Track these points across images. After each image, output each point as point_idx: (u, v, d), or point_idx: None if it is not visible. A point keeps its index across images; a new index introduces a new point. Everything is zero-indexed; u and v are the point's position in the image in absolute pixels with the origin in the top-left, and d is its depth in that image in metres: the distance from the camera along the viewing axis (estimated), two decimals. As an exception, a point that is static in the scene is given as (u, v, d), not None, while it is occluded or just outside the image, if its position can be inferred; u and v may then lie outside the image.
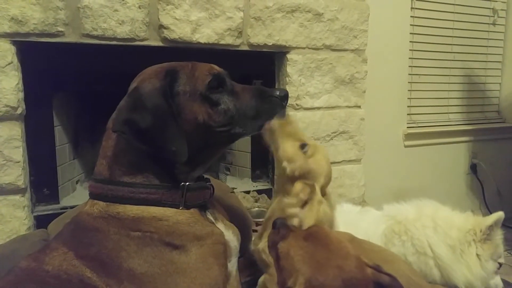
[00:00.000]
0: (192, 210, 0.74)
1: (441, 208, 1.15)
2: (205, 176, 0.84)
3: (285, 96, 0.81)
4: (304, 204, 0.77)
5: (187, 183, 0.73)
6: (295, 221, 0.75)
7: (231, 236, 0.80)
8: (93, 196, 0.73)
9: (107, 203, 0.70)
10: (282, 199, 0.81)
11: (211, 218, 0.78)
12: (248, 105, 0.78)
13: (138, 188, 0.70)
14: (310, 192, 0.78)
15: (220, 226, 0.79)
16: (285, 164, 0.80)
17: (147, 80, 0.73)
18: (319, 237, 0.66)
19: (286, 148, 0.80)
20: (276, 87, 1.62)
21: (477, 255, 1.05)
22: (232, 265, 0.79)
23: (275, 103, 0.80)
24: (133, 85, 0.76)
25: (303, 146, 0.82)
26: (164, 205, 0.71)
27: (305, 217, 0.75)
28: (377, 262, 0.67)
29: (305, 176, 0.79)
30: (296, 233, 0.67)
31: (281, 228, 0.68)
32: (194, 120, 0.73)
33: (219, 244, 0.74)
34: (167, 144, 0.68)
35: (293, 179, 0.80)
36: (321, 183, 0.81)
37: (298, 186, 0.79)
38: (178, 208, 0.72)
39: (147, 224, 0.68)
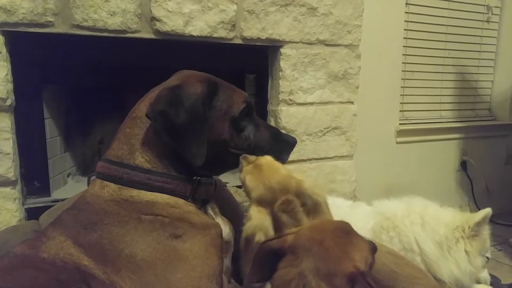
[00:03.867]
0: (198, 202, 0.79)
1: (430, 205, 1.17)
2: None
3: (294, 144, 0.91)
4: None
5: (198, 178, 0.78)
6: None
7: (228, 231, 0.83)
8: (103, 176, 0.74)
9: (120, 186, 0.72)
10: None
11: (211, 212, 0.82)
12: (264, 139, 0.86)
13: (155, 176, 0.74)
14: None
15: (219, 221, 0.81)
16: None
17: (191, 82, 0.77)
18: (347, 228, 0.66)
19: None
20: (269, 82, 1.62)
21: (466, 251, 1.07)
22: (228, 260, 0.82)
23: (285, 147, 0.89)
24: (172, 82, 0.79)
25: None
26: (176, 195, 0.75)
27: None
28: None
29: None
30: (306, 228, 0.66)
31: None
32: (218, 136, 0.79)
33: (220, 237, 0.77)
34: (190, 146, 0.73)
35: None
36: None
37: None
38: (187, 200, 0.76)
39: (160, 209, 0.71)
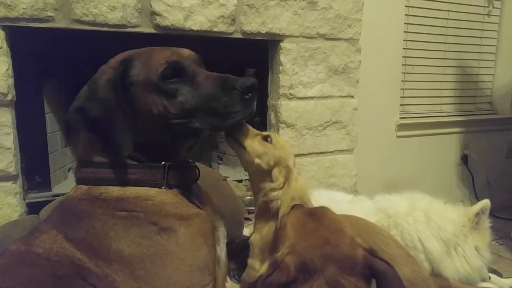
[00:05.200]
0: (175, 190, 0.74)
1: (434, 202, 1.15)
2: (191, 161, 0.84)
3: (248, 88, 0.72)
4: (283, 185, 0.81)
5: (168, 163, 0.73)
6: (277, 203, 0.78)
7: (218, 221, 0.81)
8: (78, 181, 0.74)
9: (90, 185, 0.71)
10: (264, 187, 0.83)
11: (196, 202, 0.78)
12: (208, 98, 0.71)
13: (117, 169, 0.71)
14: (287, 173, 0.82)
15: (207, 210, 0.79)
16: (257, 160, 0.83)
17: (102, 70, 0.73)
18: (318, 213, 0.68)
19: (254, 146, 0.83)
20: (270, 76, 1.62)
21: (475, 247, 1.06)
22: (221, 249, 0.80)
23: (235, 99, 0.71)
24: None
25: (266, 138, 0.85)
26: (146, 185, 0.71)
27: (283, 194, 0.79)
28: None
29: (278, 162, 0.83)
30: (303, 210, 0.70)
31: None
32: (149, 111, 0.70)
33: (207, 223, 0.74)
34: (113, 136, 0.69)
35: (268, 170, 0.83)
36: (292, 162, 0.85)
37: (275, 171, 0.82)
38: (160, 188, 0.72)
39: (132, 204, 0.69)
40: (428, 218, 1.09)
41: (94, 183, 0.71)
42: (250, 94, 0.73)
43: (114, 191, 0.70)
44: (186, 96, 0.71)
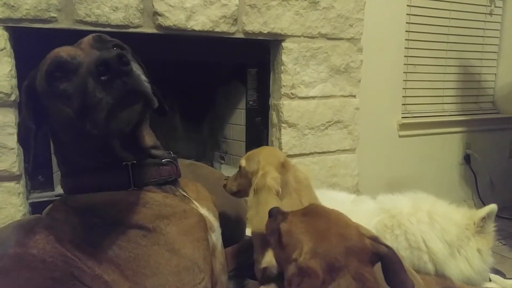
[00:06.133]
0: (150, 189, 0.70)
1: (438, 202, 1.15)
2: (173, 155, 0.79)
3: (99, 67, 0.56)
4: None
5: (130, 162, 0.68)
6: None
7: (207, 213, 0.79)
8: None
9: (64, 195, 0.73)
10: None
11: (184, 194, 0.76)
12: (78, 91, 0.59)
13: (76, 177, 0.70)
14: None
15: (194, 203, 0.78)
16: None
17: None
18: (317, 211, 0.69)
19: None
20: (271, 75, 1.63)
21: (478, 249, 1.06)
22: (217, 237, 0.78)
23: (92, 85, 0.56)
24: None
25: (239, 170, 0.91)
26: (111, 189, 0.68)
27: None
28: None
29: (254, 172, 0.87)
30: (294, 213, 0.70)
31: (278, 214, 0.70)
32: (59, 121, 0.65)
33: (189, 219, 0.70)
34: (32, 150, 0.68)
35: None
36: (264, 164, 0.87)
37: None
38: (127, 189, 0.68)
39: (102, 211, 0.67)
40: (432, 219, 1.09)
41: (66, 192, 0.73)
42: (106, 76, 0.56)
43: (82, 199, 0.68)
44: (70, 94, 0.61)
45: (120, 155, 0.68)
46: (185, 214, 0.71)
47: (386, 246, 0.65)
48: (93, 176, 0.69)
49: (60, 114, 0.63)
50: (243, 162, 0.92)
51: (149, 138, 0.74)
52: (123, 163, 0.68)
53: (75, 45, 0.67)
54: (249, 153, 0.95)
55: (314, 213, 0.68)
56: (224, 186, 0.98)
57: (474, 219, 1.07)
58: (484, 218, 1.07)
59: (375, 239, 0.65)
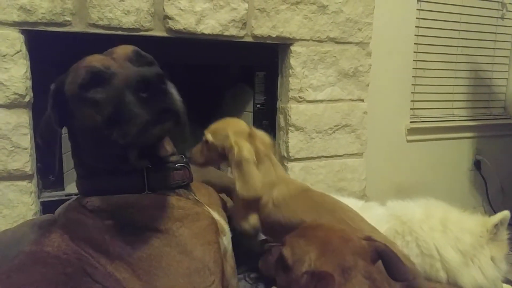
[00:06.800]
0: (163, 192, 0.72)
1: (450, 210, 1.13)
2: (185, 160, 0.81)
3: (140, 83, 0.58)
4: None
5: (146, 167, 0.70)
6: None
7: (218, 217, 0.81)
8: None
9: (79, 196, 0.74)
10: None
11: (196, 198, 0.78)
12: (112, 102, 0.61)
13: (91, 180, 0.72)
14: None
15: (205, 207, 0.79)
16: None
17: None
18: (311, 225, 0.71)
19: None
20: (279, 79, 1.63)
21: (492, 257, 1.04)
22: (228, 241, 0.80)
23: (131, 100, 0.58)
24: None
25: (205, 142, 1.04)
26: (126, 192, 0.70)
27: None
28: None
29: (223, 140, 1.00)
30: (290, 236, 0.72)
31: (271, 247, 0.74)
32: (83, 126, 0.67)
33: (201, 221, 0.72)
34: (52, 159, 0.72)
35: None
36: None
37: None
38: (142, 193, 0.70)
39: (116, 213, 0.68)
40: (445, 227, 1.07)
41: (81, 193, 0.74)
42: (145, 93, 0.58)
43: (96, 201, 0.69)
44: (102, 103, 0.63)
45: (135, 164, 0.70)
46: (197, 216, 0.72)
47: (380, 242, 0.67)
48: (109, 179, 0.71)
49: (87, 119, 0.66)
50: (209, 137, 1.03)
51: (168, 147, 0.78)
52: (140, 168, 0.71)
53: (105, 54, 0.71)
54: (213, 126, 1.05)
55: (309, 228, 0.71)
56: (189, 158, 1.05)
57: (487, 226, 1.05)
58: (497, 225, 1.05)
59: (369, 239, 0.67)
